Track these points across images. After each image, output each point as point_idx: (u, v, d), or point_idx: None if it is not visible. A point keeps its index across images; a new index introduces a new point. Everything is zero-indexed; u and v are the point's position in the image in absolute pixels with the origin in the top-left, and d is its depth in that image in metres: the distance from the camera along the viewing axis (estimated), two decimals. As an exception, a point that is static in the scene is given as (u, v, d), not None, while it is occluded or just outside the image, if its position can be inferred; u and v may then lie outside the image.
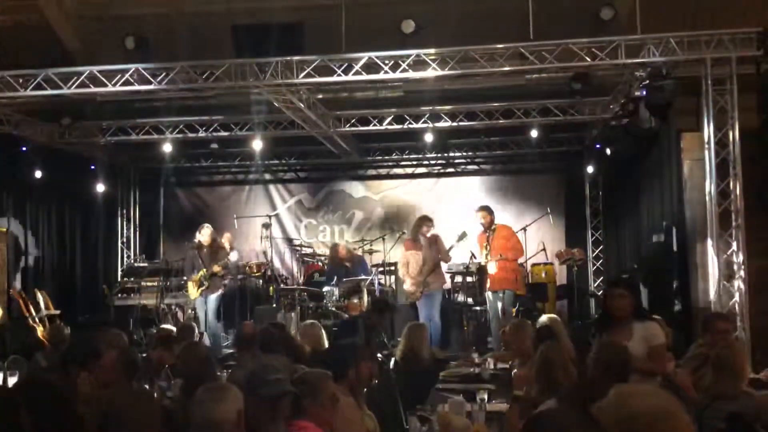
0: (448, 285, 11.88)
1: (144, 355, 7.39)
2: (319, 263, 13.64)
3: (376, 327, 8.31)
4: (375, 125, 12.59)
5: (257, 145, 13.07)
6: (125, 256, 15.30)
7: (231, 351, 9.94)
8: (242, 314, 11.95)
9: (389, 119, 12.51)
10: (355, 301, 11.56)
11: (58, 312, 12.16)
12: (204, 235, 11.46)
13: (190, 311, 12.18)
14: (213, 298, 11.22)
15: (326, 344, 7.45)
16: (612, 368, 4.56)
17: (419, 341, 7.66)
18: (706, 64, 8.88)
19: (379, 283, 12.11)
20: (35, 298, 11.98)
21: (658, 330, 5.78)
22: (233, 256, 11.42)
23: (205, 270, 11.16)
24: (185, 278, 11.65)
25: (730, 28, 8.94)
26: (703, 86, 8.96)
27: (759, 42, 8.68)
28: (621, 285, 6.18)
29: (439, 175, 15.03)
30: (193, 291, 11.27)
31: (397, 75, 9.47)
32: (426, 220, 11.08)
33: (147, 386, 6.20)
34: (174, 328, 8.80)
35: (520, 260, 11.31)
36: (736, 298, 8.78)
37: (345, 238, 14.70)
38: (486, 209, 10.94)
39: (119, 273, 14.68)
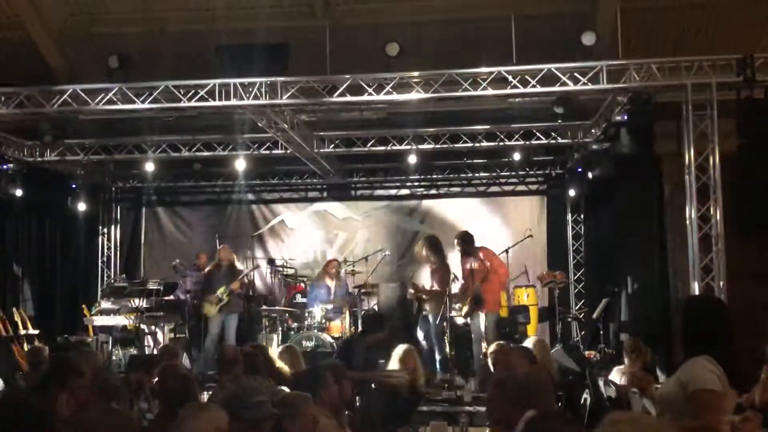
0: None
1: (123, 376, 7.32)
2: (302, 284, 13.57)
3: (375, 345, 8.27)
4: (359, 146, 12.62)
5: (240, 164, 13.04)
6: (105, 275, 15.17)
7: (212, 373, 9.86)
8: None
9: (373, 140, 12.54)
10: (337, 322, 11.52)
11: (36, 332, 12.03)
12: (223, 254, 11.81)
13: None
14: (233, 317, 11.58)
15: (303, 366, 7.41)
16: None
17: (413, 366, 7.65)
18: (686, 90, 8.99)
19: (362, 305, 12.07)
20: (14, 318, 11.84)
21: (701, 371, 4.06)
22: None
23: (224, 287, 11.42)
24: (194, 296, 11.96)
25: (710, 55, 9.07)
26: (684, 111, 9.06)
27: (738, 68, 8.80)
28: None
29: (422, 196, 15.03)
30: (211, 308, 11.42)
31: (381, 97, 9.51)
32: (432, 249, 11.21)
33: (127, 408, 6.13)
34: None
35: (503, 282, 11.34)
36: (717, 321, 8.81)
37: (327, 258, 14.66)
38: (463, 238, 10.96)
39: (99, 292, 14.54)
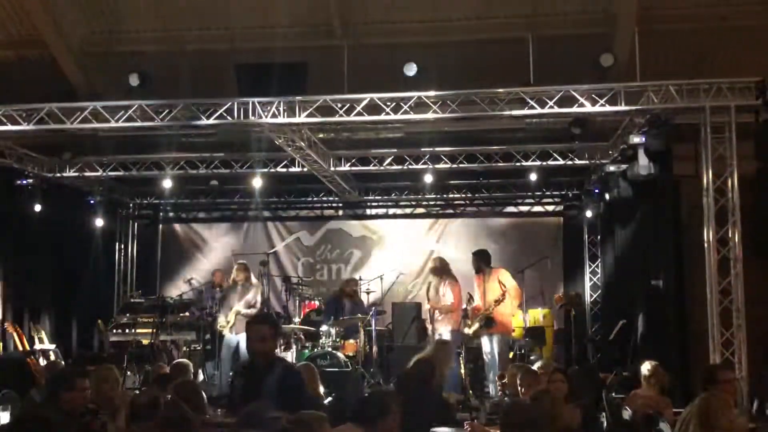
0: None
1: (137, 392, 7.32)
2: (316, 302, 13.57)
3: None
4: (375, 165, 12.65)
5: (257, 182, 13.11)
6: (122, 291, 15.24)
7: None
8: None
9: (389, 159, 12.57)
10: (352, 341, 11.48)
11: (53, 347, 12.06)
12: (239, 272, 11.59)
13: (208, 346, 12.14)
14: (243, 336, 11.28)
15: (320, 386, 7.34)
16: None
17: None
18: (705, 112, 8.94)
19: (376, 323, 12.04)
20: (30, 333, 11.89)
21: None
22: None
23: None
24: (215, 313, 11.91)
25: (728, 77, 9.03)
26: (702, 134, 9.01)
27: (757, 91, 8.75)
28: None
29: (437, 216, 15.04)
30: (224, 326, 11.43)
31: (399, 116, 9.53)
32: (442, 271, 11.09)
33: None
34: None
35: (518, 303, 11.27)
36: (735, 345, 8.74)
37: (342, 277, 14.66)
38: (477, 256, 10.91)
39: (115, 308, 14.59)
